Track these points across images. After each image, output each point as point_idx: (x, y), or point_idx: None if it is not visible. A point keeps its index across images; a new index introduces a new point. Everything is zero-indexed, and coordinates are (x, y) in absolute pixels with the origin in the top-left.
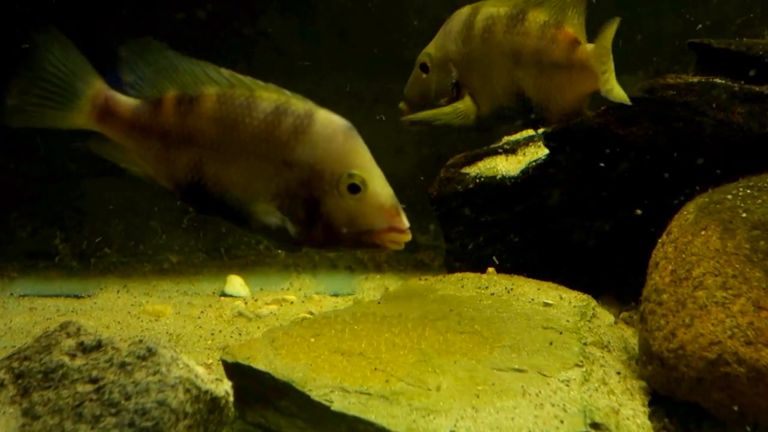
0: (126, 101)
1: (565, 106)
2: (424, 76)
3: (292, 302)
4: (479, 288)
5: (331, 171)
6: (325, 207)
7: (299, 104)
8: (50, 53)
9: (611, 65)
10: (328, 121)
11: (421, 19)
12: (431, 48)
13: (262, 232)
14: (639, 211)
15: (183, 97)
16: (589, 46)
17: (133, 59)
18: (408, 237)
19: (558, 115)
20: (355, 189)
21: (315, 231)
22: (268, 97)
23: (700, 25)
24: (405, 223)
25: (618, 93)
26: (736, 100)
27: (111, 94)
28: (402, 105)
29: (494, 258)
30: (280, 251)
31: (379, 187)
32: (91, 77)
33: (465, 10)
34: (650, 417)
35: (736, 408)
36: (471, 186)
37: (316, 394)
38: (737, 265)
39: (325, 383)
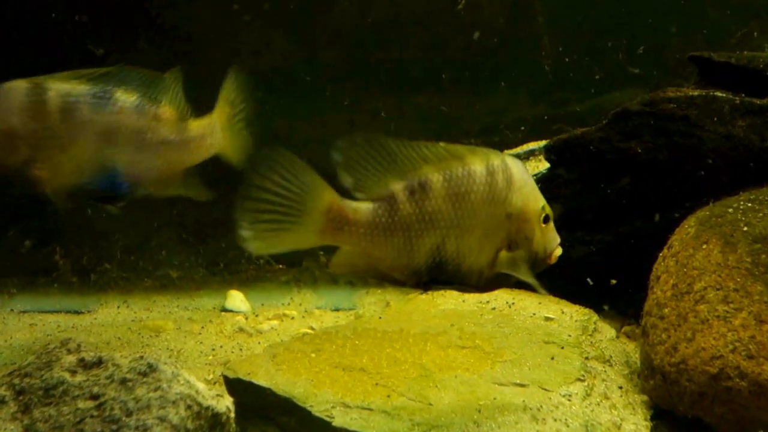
0: (361, 207)
1: (168, 180)
2: None
3: (293, 317)
4: (480, 302)
5: (533, 209)
6: (535, 243)
7: (493, 157)
8: (277, 172)
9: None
10: (515, 164)
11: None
12: None
13: (489, 287)
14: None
15: (412, 186)
16: (200, 120)
17: (347, 161)
18: (561, 249)
19: (154, 186)
20: (547, 219)
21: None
22: (474, 159)
23: (700, 38)
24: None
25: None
26: (737, 114)
27: (344, 204)
28: None
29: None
30: (280, 266)
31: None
32: (321, 190)
33: (20, 84)
34: (652, 431)
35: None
36: None
37: (317, 410)
38: (738, 279)
39: (327, 399)
